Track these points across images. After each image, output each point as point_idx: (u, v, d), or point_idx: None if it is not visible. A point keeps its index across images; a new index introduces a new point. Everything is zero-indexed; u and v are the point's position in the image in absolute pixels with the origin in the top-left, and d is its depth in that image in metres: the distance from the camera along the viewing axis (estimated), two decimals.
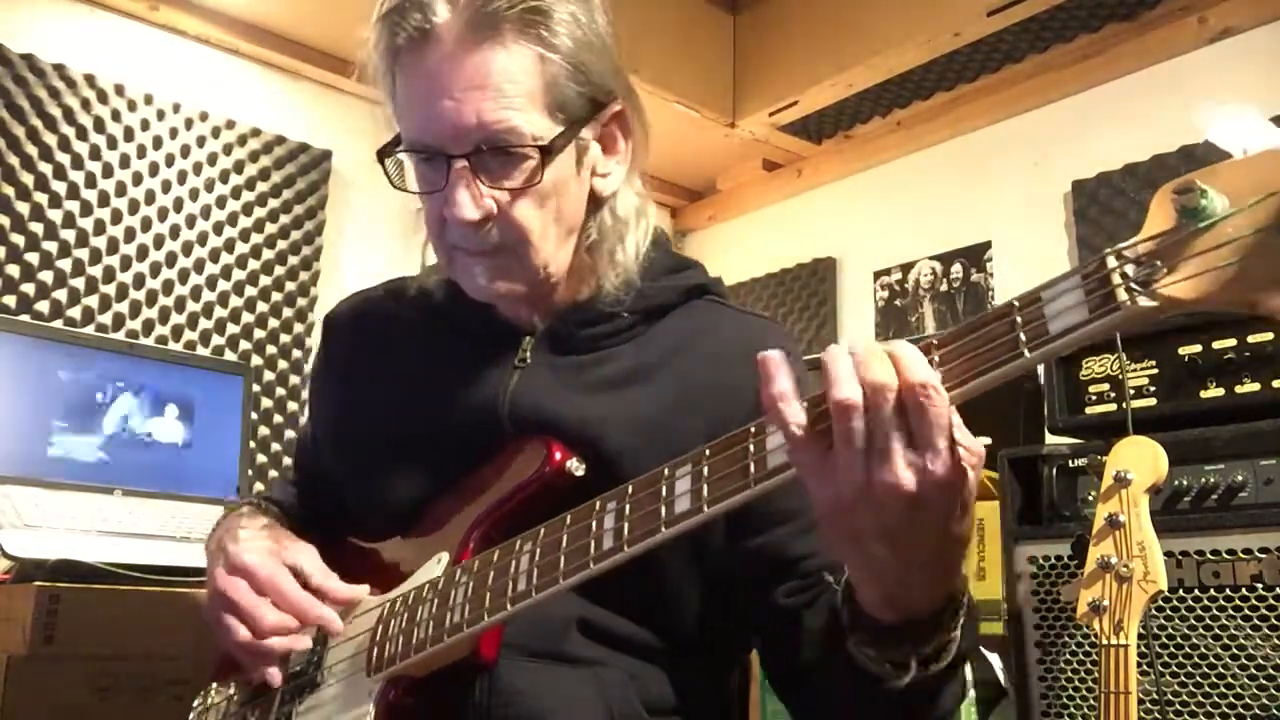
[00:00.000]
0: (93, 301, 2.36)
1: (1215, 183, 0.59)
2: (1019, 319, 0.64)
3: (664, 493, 0.76)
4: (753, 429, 0.74)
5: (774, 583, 0.95)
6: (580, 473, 0.94)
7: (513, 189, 0.96)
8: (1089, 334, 0.62)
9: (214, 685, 1.16)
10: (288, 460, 2.54)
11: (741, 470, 0.73)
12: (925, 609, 0.75)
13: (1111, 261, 0.61)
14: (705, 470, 0.75)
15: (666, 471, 0.78)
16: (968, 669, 0.95)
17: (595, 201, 1.04)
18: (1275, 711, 1.29)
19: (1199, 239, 0.59)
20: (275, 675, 0.98)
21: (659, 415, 0.99)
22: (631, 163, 1.06)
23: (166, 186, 2.51)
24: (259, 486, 2.52)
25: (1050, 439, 1.77)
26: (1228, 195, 0.59)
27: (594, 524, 0.81)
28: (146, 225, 2.47)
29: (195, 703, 1.17)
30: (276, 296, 2.66)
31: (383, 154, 1.00)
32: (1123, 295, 0.60)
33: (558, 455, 0.94)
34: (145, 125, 2.50)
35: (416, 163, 1.00)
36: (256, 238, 2.64)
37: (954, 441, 0.66)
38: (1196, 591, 1.39)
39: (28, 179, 2.30)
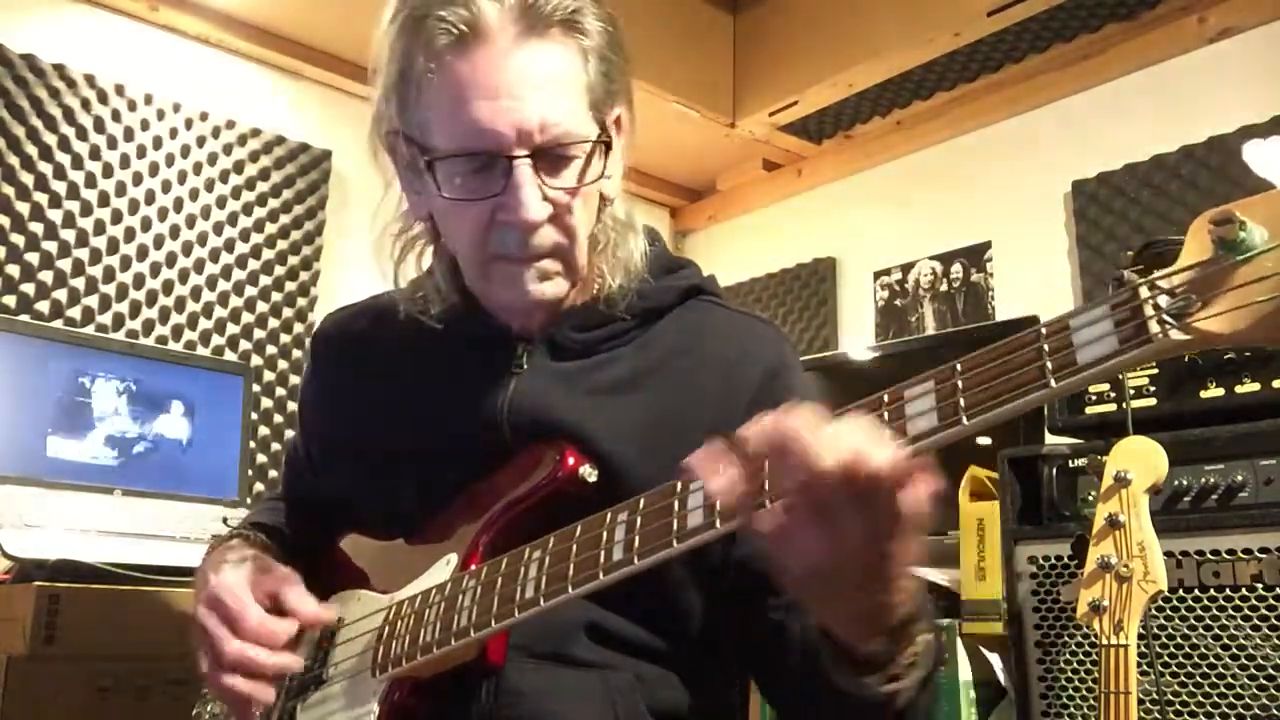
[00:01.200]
0: (93, 301, 2.36)
1: (1255, 214, 0.57)
2: (1046, 346, 0.63)
3: (676, 507, 0.76)
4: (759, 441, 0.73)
5: (764, 593, 0.95)
6: (593, 479, 0.94)
7: (569, 189, 0.96)
8: (1119, 365, 0.61)
9: None
10: (285, 453, 2.54)
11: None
12: (862, 650, 0.79)
13: (1144, 292, 0.60)
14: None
15: (680, 485, 0.77)
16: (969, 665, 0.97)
17: (601, 202, 1.04)
18: (1275, 711, 1.29)
19: (1236, 272, 0.57)
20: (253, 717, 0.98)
21: (658, 420, 0.99)
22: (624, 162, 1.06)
23: (166, 186, 2.51)
24: (259, 487, 2.52)
25: (1050, 439, 1.77)
26: (1267, 228, 0.57)
27: (605, 535, 0.81)
28: (146, 225, 2.47)
29: (196, 710, 1.17)
30: (276, 296, 2.66)
31: (431, 162, 0.96)
32: (1154, 328, 0.59)
33: (571, 461, 0.94)
34: (145, 125, 2.50)
35: (458, 170, 0.96)
36: (256, 238, 2.64)
37: (918, 510, 0.67)
38: (1196, 591, 1.39)
39: (28, 179, 2.30)
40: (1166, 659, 1.39)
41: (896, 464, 0.64)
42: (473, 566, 0.92)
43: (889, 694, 0.80)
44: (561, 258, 0.99)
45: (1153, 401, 1.53)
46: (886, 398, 0.69)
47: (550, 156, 0.95)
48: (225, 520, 1.20)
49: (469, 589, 0.90)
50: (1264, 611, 1.33)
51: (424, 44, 0.93)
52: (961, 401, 0.65)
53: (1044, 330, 0.63)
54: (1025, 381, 0.63)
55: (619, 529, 0.80)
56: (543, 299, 1.01)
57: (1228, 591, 1.36)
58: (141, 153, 2.48)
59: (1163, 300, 0.59)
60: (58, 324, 2.28)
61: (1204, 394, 1.49)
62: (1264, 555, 1.34)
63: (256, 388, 2.53)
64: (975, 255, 2.84)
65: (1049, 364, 0.62)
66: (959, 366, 0.66)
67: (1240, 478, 1.40)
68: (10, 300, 2.25)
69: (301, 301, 2.70)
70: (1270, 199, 0.58)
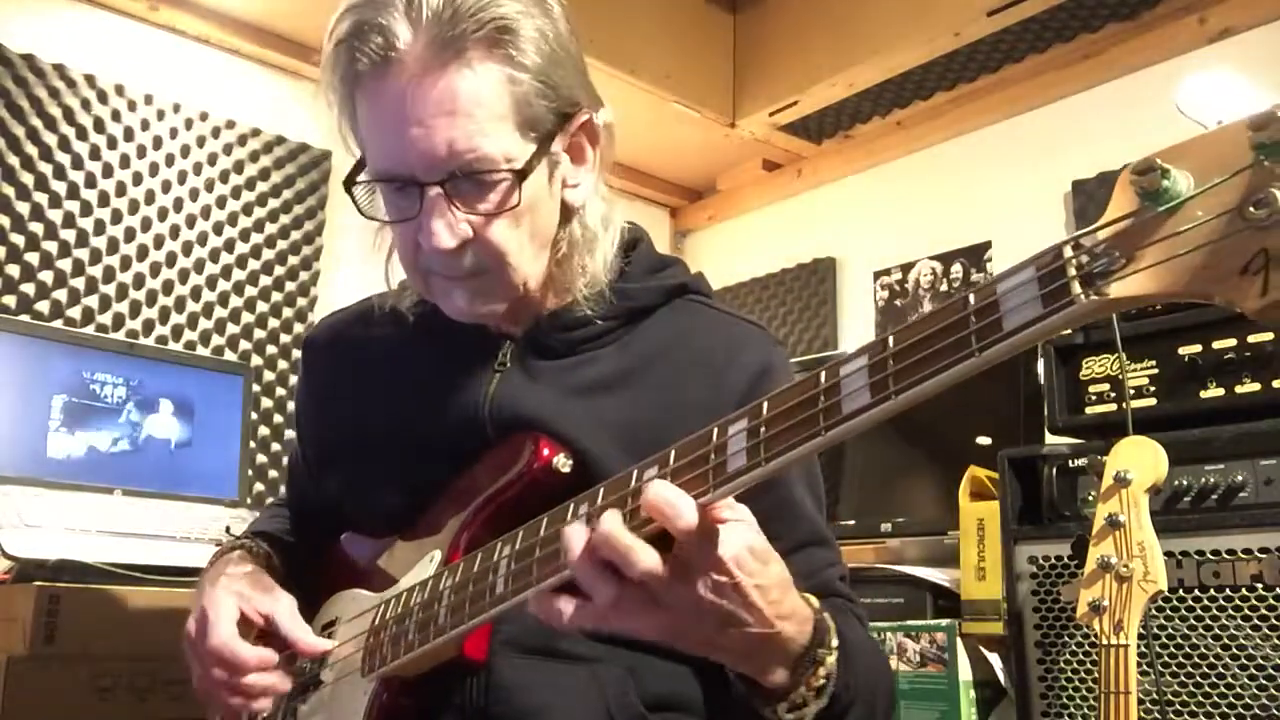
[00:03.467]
0: (93, 301, 2.36)
1: (1181, 161, 0.53)
2: (972, 316, 0.59)
3: (630, 500, 0.75)
4: (715, 431, 0.72)
5: None
6: (568, 469, 0.94)
7: (487, 213, 0.94)
8: (1043, 330, 0.57)
9: None
10: (287, 460, 2.54)
11: (701, 476, 0.71)
12: (765, 682, 0.82)
13: (1067, 251, 0.56)
14: (670, 474, 0.74)
15: (635, 473, 0.76)
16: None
17: (566, 212, 1.03)
18: (1275, 711, 1.29)
19: (1161, 225, 0.53)
20: None
21: (639, 419, 0.99)
22: (601, 168, 1.05)
23: (166, 186, 2.51)
24: (259, 487, 2.52)
25: (1050, 439, 1.77)
26: (1193, 174, 0.53)
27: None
28: (146, 225, 2.47)
29: None
30: (276, 296, 2.66)
31: (349, 183, 0.99)
32: (1076, 289, 0.55)
33: (545, 451, 0.94)
34: (145, 125, 2.49)
35: (387, 190, 0.98)
36: (256, 238, 2.64)
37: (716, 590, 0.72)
38: (1196, 591, 1.39)
39: (28, 179, 2.30)
40: (1166, 659, 1.39)
41: (695, 533, 0.70)
42: (454, 562, 0.92)
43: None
44: (490, 278, 0.98)
45: (1153, 401, 1.53)
46: (824, 376, 0.67)
47: (466, 182, 0.93)
48: (228, 529, 1.20)
49: (446, 587, 0.90)
50: (1264, 611, 1.33)
51: (346, 68, 0.93)
52: (891, 381, 0.62)
53: (972, 298, 0.60)
54: (952, 352, 0.60)
55: (580, 520, 0.79)
56: (478, 315, 1.01)
57: (1228, 591, 1.36)
58: (141, 153, 2.48)
59: (1085, 259, 0.55)
60: (58, 324, 2.28)
61: (1204, 394, 1.49)
62: (1264, 555, 1.34)
63: (256, 388, 2.53)
64: (975, 255, 2.84)
65: (974, 337, 0.59)
66: (891, 341, 0.64)
67: (1240, 478, 1.40)
68: (10, 300, 2.25)
69: (301, 301, 2.70)
70: (1195, 143, 0.54)
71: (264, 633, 1.04)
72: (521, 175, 0.93)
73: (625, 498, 0.74)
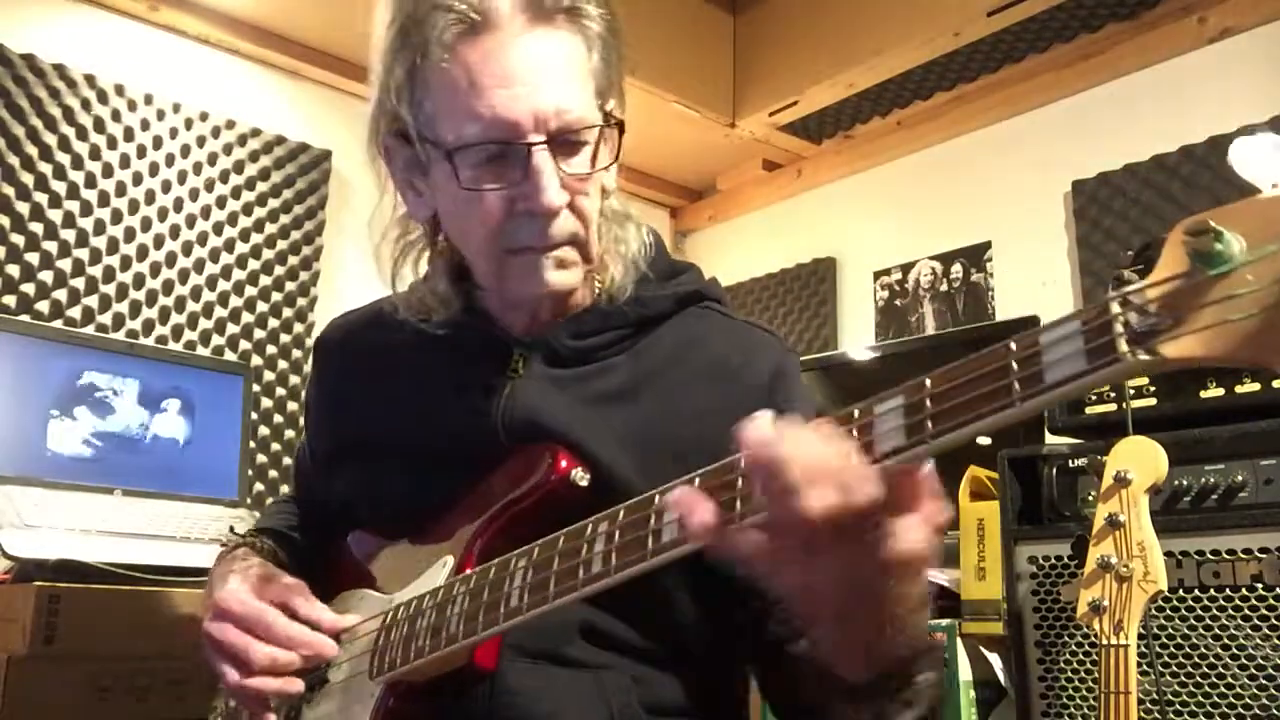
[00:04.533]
0: (93, 301, 2.36)
1: (1233, 223, 0.52)
2: (1014, 364, 0.59)
3: (651, 521, 0.74)
4: (741, 460, 0.70)
5: (765, 612, 0.94)
6: (585, 483, 0.93)
7: (582, 175, 0.96)
8: (1088, 385, 0.57)
9: None
10: (288, 460, 2.55)
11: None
12: (862, 675, 0.77)
13: (1115, 308, 0.56)
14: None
15: (657, 498, 0.75)
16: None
17: (602, 194, 1.04)
18: (1275, 711, 1.29)
19: (1213, 287, 0.52)
20: (271, 718, 0.98)
21: (653, 428, 0.98)
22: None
23: (166, 186, 2.51)
24: (259, 487, 2.52)
25: (1050, 439, 1.78)
26: (1247, 238, 0.52)
27: (584, 546, 0.80)
28: (146, 225, 2.47)
29: (213, 703, 1.18)
30: (276, 296, 2.65)
31: (452, 153, 0.94)
32: (1123, 347, 0.55)
33: (563, 464, 0.94)
34: (145, 125, 2.49)
35: (474, 160, 0.94)
36: (256, 238, 2.64)
37: (885, 540, 0.65)
38: (1196, 591, 1.39)
39: (28, 179, 2.30)
40: (1166, 659, 1.39)
41: (878, 500, 0.62)
42: (467, 571, 0.92)
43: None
44: (578, 245, 0.99)
45: (1153, 401, 1.54)
46: (857, 413, 0.66)
47: (565, 143, 0.95)
48: (232, 529, 1.21)
49: (459, 595, 0.90)
50: (1264, 611, 1.33)
51: (434, 36, 0.92)
52: (929, 423, 0.62)
53: (1014, 345, 0.60)
54: (990, 401, 0.60)
55: (599, 540, 0.79)
56: (561, 287, 1.00)
57: (1228, 591, 1.36)
58: (141, 153, 2.48)
59: (1134, 317, 0.55)
60: (58, 324, 2.28)
61: (1204, 394, 1.49)
62: (1264, 555, 1.34)
63: (256, 388, 2.53)
64: (975, 255, 2.84)
65: (1016, 384, 0.59)
66: (928, 382, 0.63)
67: (1240, 478, 1.40)
68: (10, 300, 2.25)
69: (301, 301, 2.70)
70: (1250, 206, 0.53)
71: None
72: (619, 132, 0.97)
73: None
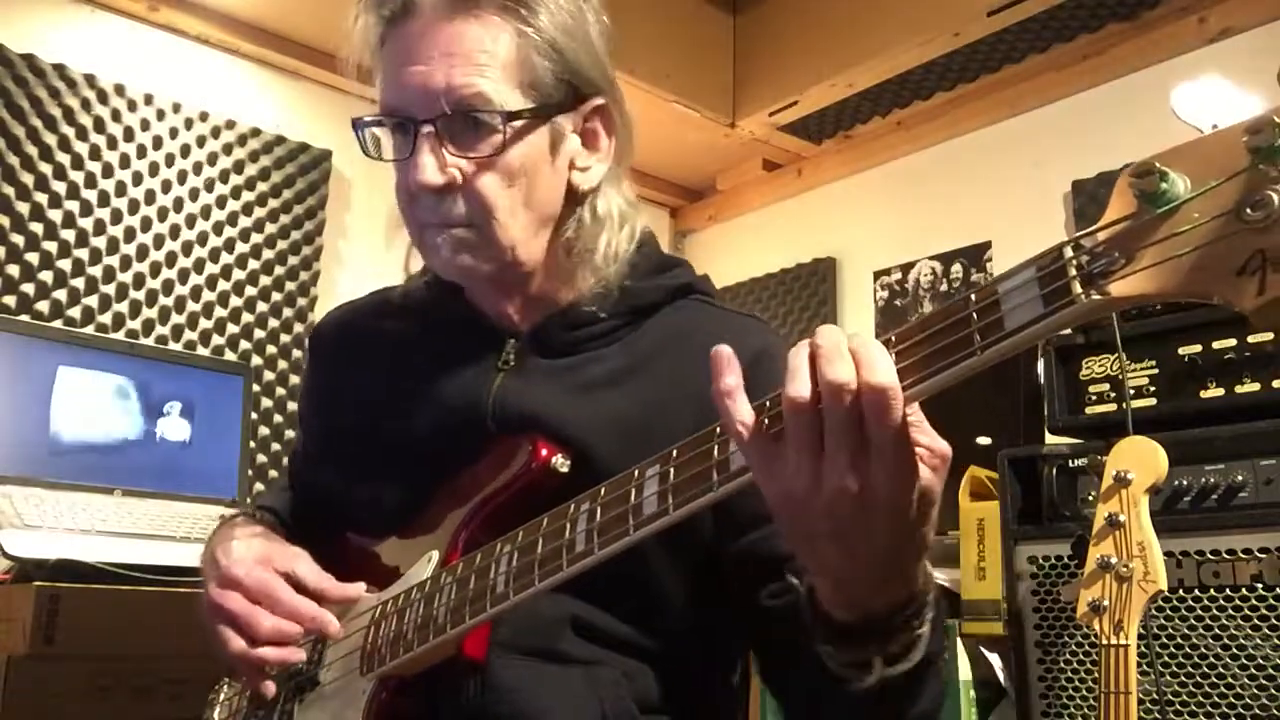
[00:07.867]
0: (93, 301, 2.36)
1: (1178, 164, 0.54)
2: (974, 314, 0.60)
3: (633, 495, 0.75)
4: (718, 429, 0.72)
5: (759, 583, 0.94)
6: (565, 469, 0.94)
7: (478, 159, 0.97)
8: (1044, 329, 0.58)
9: (226, 680, 1.16)
10: (288, 460, 2.54)
11: (705, 472, 0.71)
12: (883, 608, 0.73)
13: (1068, 252, 0.58)
14: (671, 472, 0.73)
15: (636, 473, 0.76)
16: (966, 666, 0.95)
17: (573, 197, 1.04)
18: (1275, 711, 1.29)
19: (1160, 226, 0.54)
20: (270, 687, 0.98)
21: (642, 417, 0.99)
22: (616, 163, 1.06)
23: (166, 186, 2.51)
24: (259, 486, 2.52)
25: (1050, 439, 1.77)
26: (1190, 177, 0.54)
27: (568, 526, 0.80)
28: (146, 225, 2.47)
29: (210, 697, 1.18)
30: (276, 296, 2.66)
31: (357, 122, 1.04)
32: (1077, 289, 0.57)
33: (543, 452, 0.94)
34: (145, 125, 2.50)
35: (388, 132, 1.02)
36: (256, 238, 2.64)
37: (909, 445, 0.64)
38: (1196, 591, 1.39)
39: (28, 179, 2.30)
40: (1166, 659, 1.39)
41: (884, 370, 0.62)
42: (453, 562, 0.92)
43: (882, 682, 0.75)
44: (476, 232, 0.99)
45: (1153, 401, 1.54)
46: None
47: (459, 125, 0.96)
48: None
49: (446, 586, 0.90)
50: (1264, 611, 1.33)
51: (375, 23, 1.00)
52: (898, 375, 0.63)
53: (973, 297, 0.61)
54: (953, 351, 0.61)
55: (581, 519, 0.79)
56: (461, 269, 1.01)
57: (1228, 591, 1.36)
58: (141, 153, 2.48)
59: (1085, 259, 0.57)
60: (58, 324, 2.28)
61: (1204, 394, 1.49)
62: (1264, 555, 1.34)
63: (256, 388, 2.53)
64: (975, 255, 2.84)
65: (977, 334, 0.60)
66: (893, 338, 0.64)
67: (1240, 478, 1.40)
68: (10, 300, 2.25)
69: (301, 301, 2.70)
70: (1192, 147, 0.55)
71: None
72: (513, 126, 0.96)
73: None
